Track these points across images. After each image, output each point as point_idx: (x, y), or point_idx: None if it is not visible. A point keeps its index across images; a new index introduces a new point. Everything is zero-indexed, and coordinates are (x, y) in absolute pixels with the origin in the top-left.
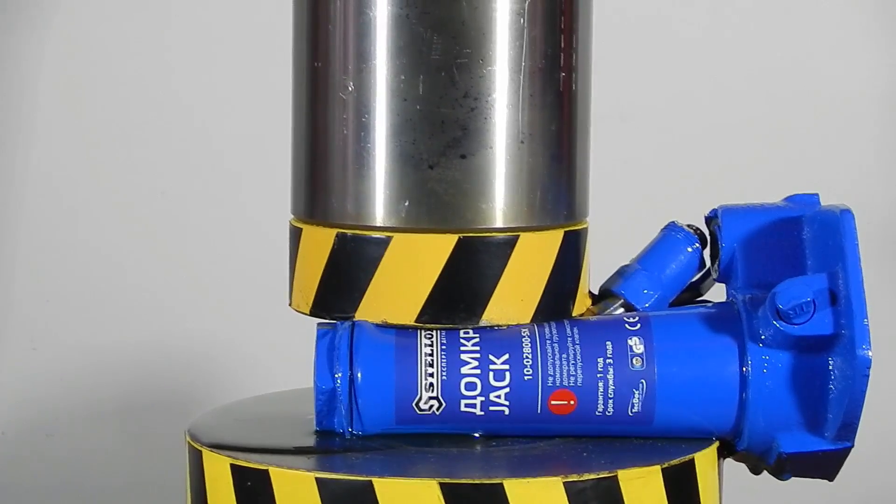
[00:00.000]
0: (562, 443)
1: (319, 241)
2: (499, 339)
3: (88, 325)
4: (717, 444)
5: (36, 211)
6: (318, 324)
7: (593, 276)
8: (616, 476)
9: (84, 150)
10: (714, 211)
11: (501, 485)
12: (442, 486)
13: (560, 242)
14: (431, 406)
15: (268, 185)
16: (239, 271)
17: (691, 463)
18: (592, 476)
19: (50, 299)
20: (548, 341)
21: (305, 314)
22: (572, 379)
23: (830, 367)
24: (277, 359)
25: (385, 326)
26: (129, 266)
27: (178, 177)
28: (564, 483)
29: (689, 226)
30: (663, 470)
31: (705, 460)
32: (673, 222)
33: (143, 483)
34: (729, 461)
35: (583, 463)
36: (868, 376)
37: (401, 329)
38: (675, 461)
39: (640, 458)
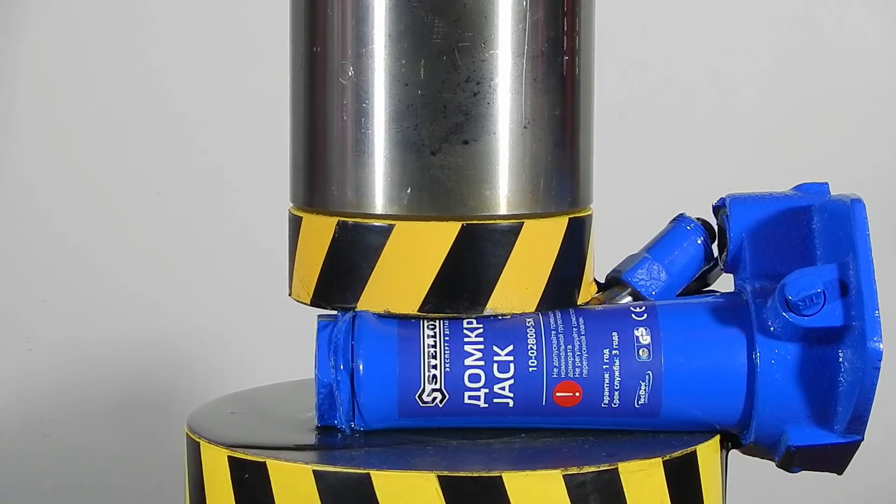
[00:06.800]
0: (563, 435)
1: (320, 230)
2: (503, 330)
3: (84, 325)
4: (719, 436)
5: (30, 211)
6: (319, 315)
7: (600, 264)
8: (616, 469)
9: (78, 148)
10: (722, 200)
11: (500, 478)
12: (440, 479)
13: (565, 229)
14: (434, 398)
15: (264, 175)
16: (237, 263)
17: (693, 455)
18: (592, 469)
19: (45, 299)
20: (553, 332)
21: (306, 304)
22: (578, 370)
23: (840, 360)
24: (277, 352)
25: (387, 316)
26: (124, 264)
27: (172, 172)
28: (564, 476)
29: (698, 219)
30: (664, 462)
31: (707, 452)
32: (682, 214)
33: (140, 481)
34: (735, 454)
35: (583, 455)
36: (879, 369)
37: (403, 319)
38: (676, 453)
39: (641, 451)
